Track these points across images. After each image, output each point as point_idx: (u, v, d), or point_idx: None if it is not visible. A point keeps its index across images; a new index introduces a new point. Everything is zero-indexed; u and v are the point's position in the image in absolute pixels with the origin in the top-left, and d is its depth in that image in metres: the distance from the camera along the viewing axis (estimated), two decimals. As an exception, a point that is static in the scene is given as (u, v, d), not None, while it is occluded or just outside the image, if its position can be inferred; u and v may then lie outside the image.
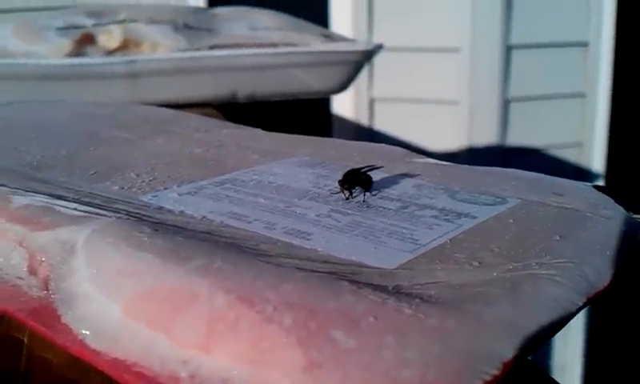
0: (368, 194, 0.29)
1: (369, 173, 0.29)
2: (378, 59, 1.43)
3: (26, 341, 0.24)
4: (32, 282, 0.23)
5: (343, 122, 1.49)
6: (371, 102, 1.51)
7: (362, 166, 0.30)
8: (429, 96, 1.49)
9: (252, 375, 0.17)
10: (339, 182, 0.29)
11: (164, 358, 0.18)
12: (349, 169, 0.29)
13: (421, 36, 1.46)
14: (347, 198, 0.29)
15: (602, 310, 1.41)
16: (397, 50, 1.42)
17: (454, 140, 1.47)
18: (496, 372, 0.17)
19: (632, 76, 1.55)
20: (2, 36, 0.68)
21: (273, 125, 0.45)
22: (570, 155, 1.55)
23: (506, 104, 1.48)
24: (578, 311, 0.21)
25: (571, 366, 1.46)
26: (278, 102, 0.74)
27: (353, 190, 0.29)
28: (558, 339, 1.43)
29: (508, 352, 0.18)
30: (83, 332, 0.20)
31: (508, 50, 1.46)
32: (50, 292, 0.22)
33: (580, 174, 1.52)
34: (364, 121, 1.51)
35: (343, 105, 1.48)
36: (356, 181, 0.29)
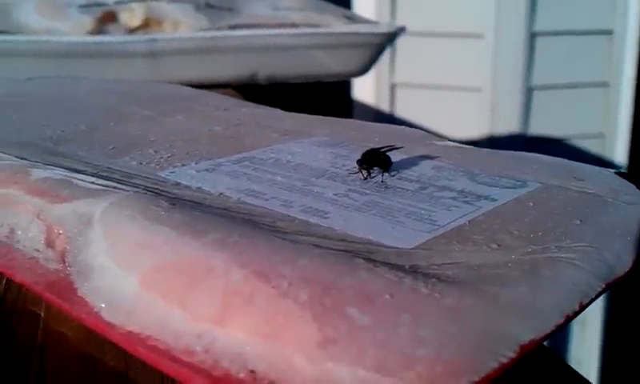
0: (387, 174, 0.29)
1: (388, 153, 0.29)
2: (399, 44, 1.42)
3: (42, 314, 0.25)
4: (49, 255, 0.23)
5: (364, 107, 1.49)
6: (392, 88, 1.51)
7: (381, 146, 0.30)
8: (451, 82, 1.48)
9: (266, 350, 0.17)
10: (357, 161, 0.29)
11: (178, 332, 0.18)
12: (368, 149, 0.29)
13: (444, 21, 1.45)
14: (365, 178, 0.28)
15: (620, 304, 1.40)
16: (419, 35, 1.41)
17: (475, 127, 1.46)
18: (513, 354, 0.17)
19: (658, 66, 1.53)
20: (24, 12, 0.69)
21: (293, 109, 0.45)
22: (592, 146, 1.53)
23: (528, 92, 1.47)
24: (597, 296, 0.21)
25: (588, 360, 1.45)
26: (299, 85, 0.73)
27: (371, 171, 0.28)
28: (575, 332, 1.43)
29: (525, 335, 0.18)
30: (99, 304, 0.20)
31: (532, 36, 1.44)
32: (67, 264, 0.22)
33: (602, 165, 1.50)
34: (385, 106, 1.51)
35: (364, 90, 1.48)
36: (375, 161, 0.28)
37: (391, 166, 0.29)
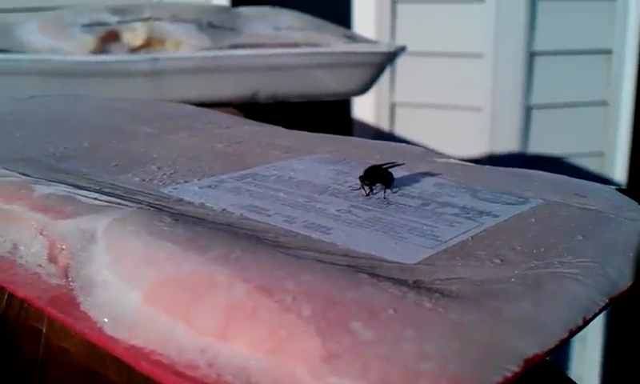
0: (389, 191, 0.29)
1: (390, 170, 0.29)
2: (399, 64, 1.43)
3: (44, 330, 0.25)
4: (51, 270, 0.23)
5: (364, 126, 1.49)
6: (392, 107, 1.51)
7: (383, 162, 0.30)
8: (450, 102, 1.48)
9: (270, 364, 0.17)
10: (360, 177, 0.29)
11: (182, 346, 0.18)
12: (370, 165, 0.29)
13: (444, 41, 1.46)
14: (368, 194, 0.28)
15: (621, 320, 1.40)
16: (419, 55, 1.41)
17: (475, 146, 1.47)
18: (517, 368, 0.17)
19: (656, 85, 1.54)
20: (27, 31, 0.69)
21: (293, 128, 0.45)
22: (591, 164, 1.54)
23: (528, 111, 1.47)
24: (600, 311, 0.21)
25: (588, 377, 1.44)
26: (299, 104, 0.74)
27: (373, 187, 0.29)
28: (576, 348, 1.42)
29: (529, 349, 0.18)
30: (102, 319, 0.20)
31: (531, 56, 1.45)
32: (70, 280, 0.22)
33: (601, 183, 1.50)
34: (385, 125, 1.51)
35: (364, 109, 1.48)
36: (377, 177, 0.29)
37: (393, 182, 0.29)
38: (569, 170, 1.50)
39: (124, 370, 0.22)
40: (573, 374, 1.40)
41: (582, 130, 1.52)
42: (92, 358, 0.22)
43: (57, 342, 0.24)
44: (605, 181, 1.52)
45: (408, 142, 0.38)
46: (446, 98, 1.48)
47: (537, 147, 1.49)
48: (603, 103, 1.52)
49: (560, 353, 1.42)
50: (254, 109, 0.70)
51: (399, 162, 0.31)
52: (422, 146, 0.39)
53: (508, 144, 1.47)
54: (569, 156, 1.52)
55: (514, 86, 1.45)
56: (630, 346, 1.44)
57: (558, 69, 1.47)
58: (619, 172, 1.54)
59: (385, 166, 0.29)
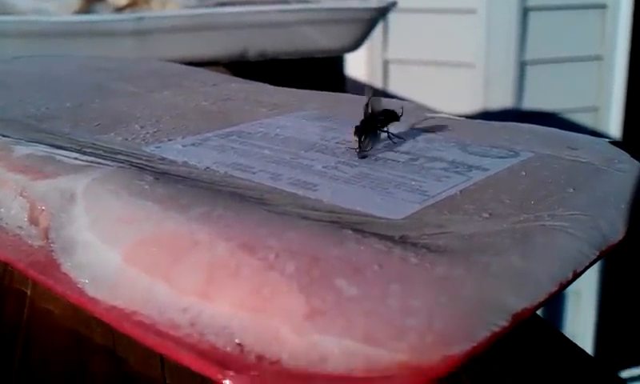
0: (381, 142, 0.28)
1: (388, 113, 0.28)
2: (392, 20, 1.41)
3: (28, 293, 0.24)
4: (32, 232, 0.23)
5: (357, 84, 1.48)
6: (385, 64, 1.50)
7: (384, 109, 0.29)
8: (444, 58, 1.47)
9: (253, 322, 0.17)
10: (357, 127, 0.27)
11: (163, 306, 0.18)
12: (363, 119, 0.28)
13: (436, -4, 1.44)
14: (359, 148, 0.27)
15: (615, 275, 1.41)
16: (412, 11, 1.40)
17: (469, 103, 1.46)
18: (505, 323, 0.17)
19: (651, 39, 1.53)
20: (10, -8, 0.68)
21: (284, 86, 0.44)
22: (586, 119, 1.53)
23: (522, 67, 1.46)
24: (591, 264, 0.20)
25: (583, 333, 1.45)
26: (290, 62, 0.73)
27: (362, 141, 0.28)
28: (570, 305, 1.43)
29: (518, 303, 0.17)
30: (82, 280, 0.20)
31: (525, 11, 1.43)
32: (50, 241, 0.22)
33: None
34: (378, 83, 1.50)
35: (357, 66, 1.47)
36: (376, 125, 0.28)
37: (400, 117, 0.28)
38: (563, 126, 1.49)
39: (109, 332, 0.21)
40: (567, 330, 1.41)
41: (576, 85, 1.51)
42: (77, 320, 0.22)
43: (41, 304, 0.23)
44: (599, 136, 1.51)
45: (401, 99, 0.37)
46: (439, 55, 1.47)
47: (531, 103, 1.48)
48: (597, 58, 1.51)
49: (554, 310, 1.43)
50: (244, 68, 0.69)
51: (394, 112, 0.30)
52: (413, 102, 0.39)
53: (502, 100, 1.46)
54: (563, 111, 1.51)
55: (507, 42, 1.44)
56: (625, 302, 1.45)
57: (551, 24, 1.46)
58: (614, 127, 1.54)
59: (381, 113, 0.28)
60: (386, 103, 0.36)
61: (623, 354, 1.46)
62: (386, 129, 0.29)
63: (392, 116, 0.28)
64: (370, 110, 0.28)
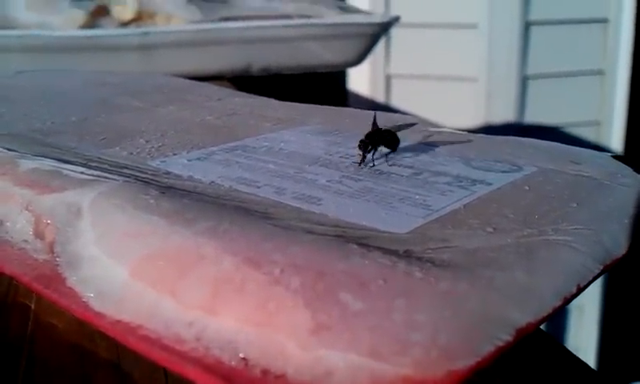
0: (380, 159, 0.28)
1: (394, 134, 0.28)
2: (394, 35, 1.42)
3: (33, 307, 0.24)
4: (37, 246, 0.23)
5: (359, 98, 1.48)
6: (388, 79, 1.50)
7: (382, 127, 0.29)
8: (446, 73, 1.47)
9: (258, 337, 0.17)
10: (362, 140, 0.28)
11: (169, 320, 0.18)
12: (368, 132, 0.28)
13: (438, 11, 1.45)
14: (361, 162, 0.28)
15: (618, 290, 1.40)
16: (414, 26, 1.40)
17: (471, 117, 1.46)
18: (509, 338, 0.17)
19: (653, 53, 1.53)
20: (15, 7, 0.68)
21: (287, 100, 0.44)
22: (588, 134, 1.53)
23: (524, 81, 1.46)
24: (594, 279, 0.20)
25: (585, 347, 1.45)
26: (293, 77, 0.73)
27: (367, 156, 0.28)
28: (573, 319, 1.43)
29: (522, 318, 0.17)
30: (88, 294, 0.20)
31: (527, 26, 1.44)
32: (56, 255, 0.22)
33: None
34: (380, 97, 1.50)
35: (359, 81, 1.47)
36: (380, 140, 0.28)
37: (399, 144, 0.28)
38: (565, 140, 1.49)
39: (113, 347, 0.21)
40: (570, 345, 1.40)
41: (578, 100, 1.51)
42: (81, 335, 0.22)
43: (45, 318, 0.24)
44: (601, 150, 1.51)
45: (403, 114, 0.37)
46: (441, 69, 1.47)
47: (533, 117, 1.48)
48: (599, 72, 1.51)
49: (557, 324, 1.43)
50: (248, 82, 0.70)
51: (406, 124, 0.30)
52: (416, 116, 0.39)
53: (504, 114, 1.46)
54: (565, 126, 1.51)
55: (509, 56, 1.44)
56: (627, 316, 1.44)
57: (553, 38, 1.46)
58: (615, 141, 1.54)
59: (388, 129, 0.28)
60: (390, 118, 0.37)
61: (626, 368, 1.46)
62: (385, 149, 0.29)
63: (393, 139, 0.29)
64: (374, 126, 0.29)
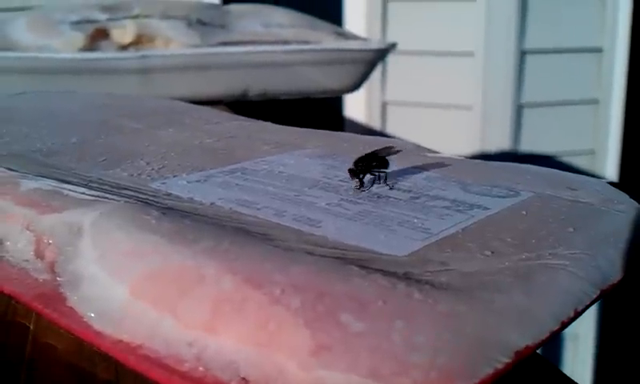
0: (378, 183, 0.28)
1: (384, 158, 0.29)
2: (390, 62, 1.43)
3: (31, 327, 0.24)
4: (38, 266, 0.23)
5: (355, 125, 1.49)
6: (383, 106, 1.51)
7: (375, 150, 0.29)
8: (442, 100, 1.48)
9: (258, 357, 0.17)
10: (350, 169, 0.28)
11: (169, 340, 0.18)
12: (359, 156, 0.28)
13: (435, 39, 1.46)
14: (358, 187, 0.28)
15: (613, 317, 1.40)
16: (410, 54, 1.41)
17: (466, 145, 1.47)
18: (508, 360, 0.17)
19: (647, 83, 1.54)
20: (15, 30, 0.69)
21: (282, 125, 0.45)
22: (582, 162, 1.54)
23: (519, 109, 1.47)
24: (591, 303, 0.21)
25: (581, 374, 1.44)
26: (290, 102, 0.73)
27: (364, 181, 0.28)
28: (568, 346, 1.42)
29: (520, 340, 0.17)
30: (88, 314, 0.20)
31: (522, 54, 1.45)
32: (56, 275, 0.22)
33: (593, 180, 1.50)
34: (376, 124, 1.51)
35: (355, 108, 1.48)
36: (372, 163, 0.28)
37: (388, 166, 0.29)
38: (560, 168, 1.49)
39: (112, 367, 0.21)
40: (565, 370, 1.40)
41: (573, 129, 1.52)
42: (80, 355, 0.22)
43: (44, 339, 0.23)
44: (596, 178, 1.52)
45: (400, 140, 0.37)
46: (437, 97, 1.48)
47: (528, 146, 1.49)
48: (594, 101, 1.52)
49: (553, 350, 1.42)
50: (246, 107, 0.70)
51: (393, 150, 0.30)
52: (411, 143, 0.39)
53: (499, 143, 1.47)
54: (560, 154, 1.52)
55: (505, 85, 1.45)
56: (623, 342, 1.44)
57: (548, 67, 1.47)
58: (610, 170, 1.54)
59: (379, 154, 0.29)
60: (386, 142, 0.37)
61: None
62: (378, 172, 0.29)
63: (382, 162, 0.29)
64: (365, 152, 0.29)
